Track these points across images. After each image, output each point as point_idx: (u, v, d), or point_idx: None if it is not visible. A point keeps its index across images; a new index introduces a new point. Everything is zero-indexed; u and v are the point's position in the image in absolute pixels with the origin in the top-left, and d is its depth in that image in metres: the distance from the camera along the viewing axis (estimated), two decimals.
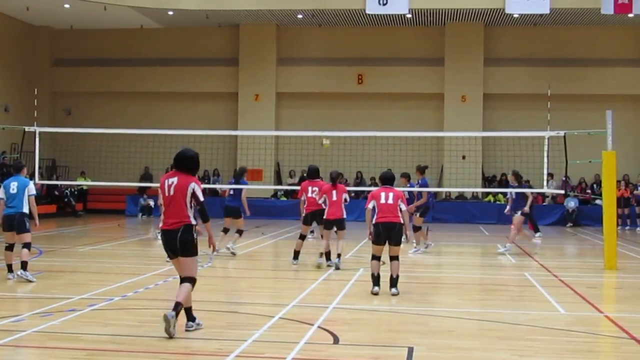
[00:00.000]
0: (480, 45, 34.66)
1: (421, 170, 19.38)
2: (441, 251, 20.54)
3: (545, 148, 19.57)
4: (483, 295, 13.08)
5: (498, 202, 32.53)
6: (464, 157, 32.22)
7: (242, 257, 17.94)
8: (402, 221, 12.31)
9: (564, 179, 22.83)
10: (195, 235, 9.15)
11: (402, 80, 35.12)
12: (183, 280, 9.22)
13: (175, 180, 9.13)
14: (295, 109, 35.82)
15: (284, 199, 34.18)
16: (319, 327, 9.61)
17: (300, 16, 33.62)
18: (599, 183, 25.20)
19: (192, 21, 34.71)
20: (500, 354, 8.47)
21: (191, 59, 36.30)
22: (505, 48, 35.08)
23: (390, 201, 12.24)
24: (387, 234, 12.19)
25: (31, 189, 13.24)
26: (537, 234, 21.15)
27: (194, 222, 9.19)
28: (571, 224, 31.08)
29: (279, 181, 34.98)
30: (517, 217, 19.32)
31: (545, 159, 19.91)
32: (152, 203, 31.48)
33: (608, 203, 16.72)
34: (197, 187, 9.13)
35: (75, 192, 34.16)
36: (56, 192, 32.78)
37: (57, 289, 12.35)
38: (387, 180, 12.75)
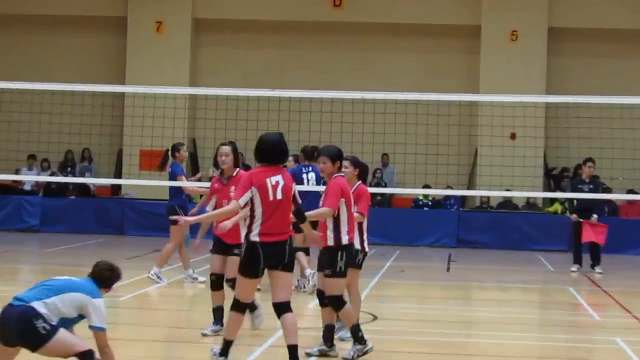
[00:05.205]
0: None
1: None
2: (470, 296, 16.68)
3: None
4: None
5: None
6: (513, 137, 25.28)
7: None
8: None
9: None
10: None
11: (408, 4, 26.72)
12: (284, 308, 8.36)
13: (280, 179, 8.54)
14: (224, 46, 27.65)
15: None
16: None
17: None
18: None
19: None
20: None
21: None
22: None
23: None
24: None
25: None
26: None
27: None
28: None
29: (195, 170, 25.24)
30: None
31: None
32: None
33: None
34: (296, 188, 8.89)
35: None
36: None
37: None
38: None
